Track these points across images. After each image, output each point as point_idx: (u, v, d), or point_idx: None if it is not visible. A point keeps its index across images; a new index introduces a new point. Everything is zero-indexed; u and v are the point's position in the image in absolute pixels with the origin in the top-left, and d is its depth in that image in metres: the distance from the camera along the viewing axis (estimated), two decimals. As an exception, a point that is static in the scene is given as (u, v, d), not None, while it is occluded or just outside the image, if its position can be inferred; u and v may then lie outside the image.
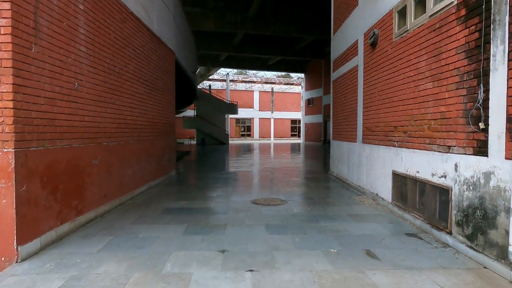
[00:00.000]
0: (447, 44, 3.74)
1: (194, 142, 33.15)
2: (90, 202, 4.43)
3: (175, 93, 9.16)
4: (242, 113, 46.12)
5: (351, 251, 3.45)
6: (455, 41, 3.60)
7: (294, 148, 24.79)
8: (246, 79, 46.62)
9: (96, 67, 4.57)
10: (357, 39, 6.98)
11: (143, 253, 3.36)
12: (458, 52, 3.53)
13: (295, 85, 47.83)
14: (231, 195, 6.51)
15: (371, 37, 5.95)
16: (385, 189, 5.49)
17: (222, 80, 43.51)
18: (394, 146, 5.14)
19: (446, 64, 3.75)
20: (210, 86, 41.59)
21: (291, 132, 48.85)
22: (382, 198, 5.58)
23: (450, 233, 3.67)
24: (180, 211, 5.14)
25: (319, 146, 27.09)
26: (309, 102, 32.95)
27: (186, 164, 12.67)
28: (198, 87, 41.15)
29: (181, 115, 36.11)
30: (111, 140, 5.10)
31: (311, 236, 3.95)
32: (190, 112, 35.01)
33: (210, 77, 44.63)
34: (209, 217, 4.80)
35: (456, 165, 3.58)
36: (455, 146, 3.60)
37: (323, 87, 29.21)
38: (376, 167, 5.87)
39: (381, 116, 5.67)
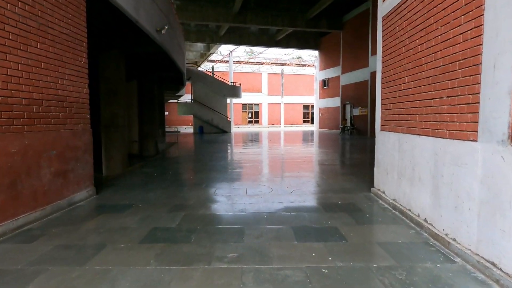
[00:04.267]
0: None
1: (191, 130, 29.13)
2: None
3: (86, 46, 4.94)
4: (249, 97, 41.86)
5: None
6: None
7: (307, 137, 20.37)
8: (253, 60, 41.88)
9: None
10: None
11: None
12: None
13: (307, 66, 42.90)
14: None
15: None
16: None
17: (227, 62, 38.90)
18: None
19: None
20: (213, 68, 37.15)
21: (303, 118, 44.36)
22: None
23: None
24: None
25: (337, 134, 22.58)
26: (324, 83, 28.22)
27: (151, 165, 8.53)
28: (200, 69, 36.91)
29: (177, 100, 32.07)
30: None
31: None
32: (189, 97, 30.90)
33: (214, 59, 40.17)
34: None
35: None
36: None
37: (341, 64, 24.46)
38: None
39: None
